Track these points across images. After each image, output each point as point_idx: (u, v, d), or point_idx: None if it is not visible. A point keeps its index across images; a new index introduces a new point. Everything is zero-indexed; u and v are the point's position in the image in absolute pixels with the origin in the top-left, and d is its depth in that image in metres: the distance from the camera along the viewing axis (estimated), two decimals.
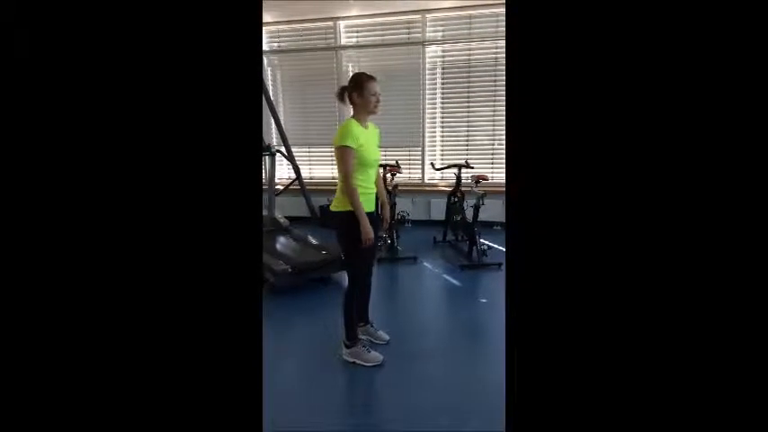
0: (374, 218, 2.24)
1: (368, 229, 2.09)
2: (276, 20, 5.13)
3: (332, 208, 2.16)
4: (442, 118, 5.13)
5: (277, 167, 4.56)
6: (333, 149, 2.11)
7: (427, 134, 5.16)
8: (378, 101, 2.11)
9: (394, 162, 4.45)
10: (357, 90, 2.08)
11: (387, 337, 2.48)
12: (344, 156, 2.03)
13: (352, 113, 2.15)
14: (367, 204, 2.15)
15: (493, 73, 4.84)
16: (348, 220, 2.09)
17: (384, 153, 5.27)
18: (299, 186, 4.66)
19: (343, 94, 2.16)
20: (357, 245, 2.13)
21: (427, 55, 4.96)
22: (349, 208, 2.09)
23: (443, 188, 5.04)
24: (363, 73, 2.13)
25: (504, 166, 5.02)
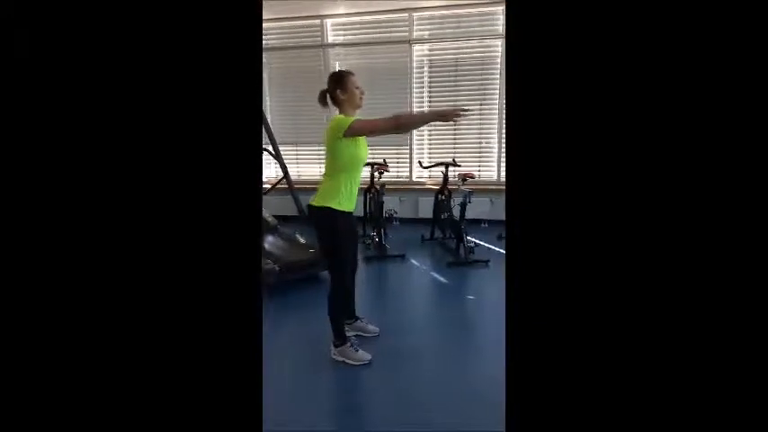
0: (352, 220, 2.21)
1: (439, 111, 2.01)
2: (263, 17, 5.09)
3: (313, 203, 2.09)
4: None
5: (264, 166, 4.53)
6: (324, 145, 2.05)
7: (415, 132, 5.18)
8: (362, 93, 2.09)
9: (381, 160, 4.47)
10: (340, 87, 2.05)
11: (377, 329, 2.51)
12: (360, 125, 1.96)
13: (338, 112, 2.11)
14: (348, 203, 2.11)
15: (480, 71, 4.87)
16: (330, 216, 2.05)
17: (372, 151, 5.27)
18: (287, 185, 4.64)
19: (324, 96, 2.12)
20: (339, 243, 2.11)
21: (414, 53, 4.97)
22: (330, 204, 2.03)
23: (431, 186, 5.06)
24: (341, 69, 2.12)
25: (490, 164, 5.07)
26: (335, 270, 2.18)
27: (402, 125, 2.04)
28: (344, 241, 2.13)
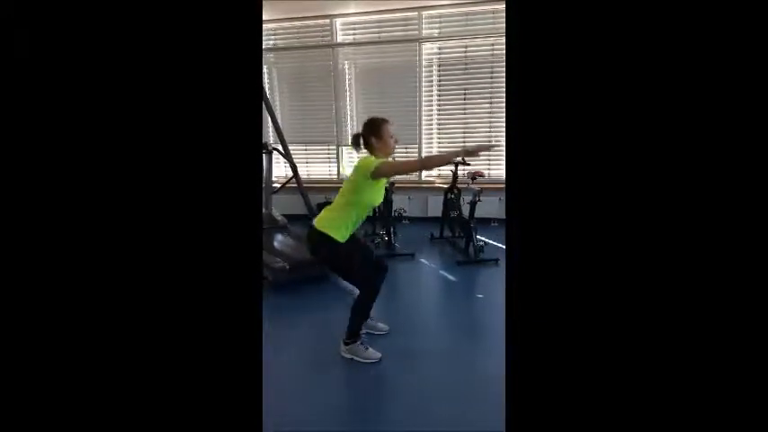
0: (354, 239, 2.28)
1: (468, 149, 2.04)
2: (273, 17, 5.12)
3: (316, 226, 2.12)
4: (439, 115, 5.14)
5: (274, 165, 4.56)
6: (349, 178, 2.12)
7: (424, 131, 5.17)
8: (396, 142, 2.16)
9: (391, 159, 4.46)
10: (375, 134, 2.12)
11: (386, 328, 2.52)
12: (388, 168, 2.04)
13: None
14: (348, 235, 2.17)
15: (489, 69, 4.84)
16: (328, 245, 2.10)
17: None
18: (297, 184, 4.66)
19: (358, 140, 2.18)
20: (353, 262, 2.17)
21: (423, 52, 4.96)
22: (332, 234, 2.08)
23: (440, 185, 5.05)
24: (376, 117, 2.17)
25: (500, 162, 5.04)
26: (357, 280, 2.21)
27: (428, 167, 2.08)
28: (349, 256, 2.18)
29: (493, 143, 1.96)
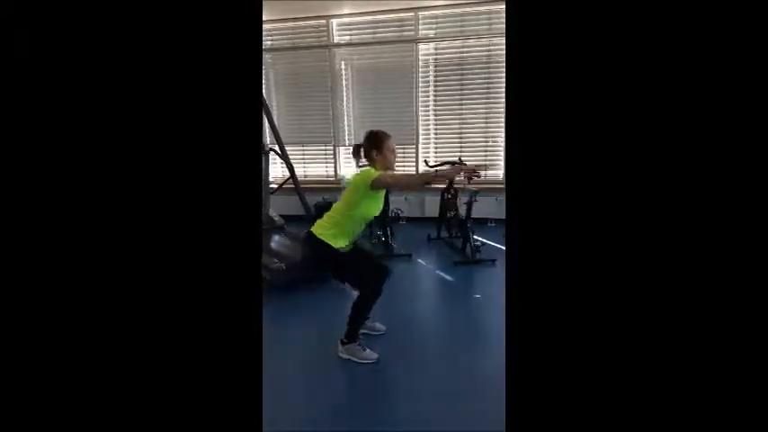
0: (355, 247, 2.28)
1: (466, 168, 2.12)
2: (269, 18, 5.12)
3: (314, 231, 2.13)
4: (436, 115, 5.15)
5: (271, 166, 4.55)
6: (348, 188, 2.12)
7: (421, 131, 5.18)
8: (395, 156, 2.17)
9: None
10: (376, 148, 2.12)
11: (383, 328, 2.52)
12: (387, 180, 2.04)
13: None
14: (346, 243, 2.17)
15: (486, 70, 4.86)
16: (326, 252, 2.12)
17: None
18: (293, 185, 4.65)
19: (358, 151, 2.19)
20: (349, 268, 2.18)
21: (420, 52, 4.97)
22: (329, 242, 2.08)
23: (437, 185, 5.05)
24: (379, 131, 2.18)
25: (496, 162, 5.06)
26: (355, 283, 2.21)
27: (428, 181, 2.09)
28: (346, 262, 2.18)
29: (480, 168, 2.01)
